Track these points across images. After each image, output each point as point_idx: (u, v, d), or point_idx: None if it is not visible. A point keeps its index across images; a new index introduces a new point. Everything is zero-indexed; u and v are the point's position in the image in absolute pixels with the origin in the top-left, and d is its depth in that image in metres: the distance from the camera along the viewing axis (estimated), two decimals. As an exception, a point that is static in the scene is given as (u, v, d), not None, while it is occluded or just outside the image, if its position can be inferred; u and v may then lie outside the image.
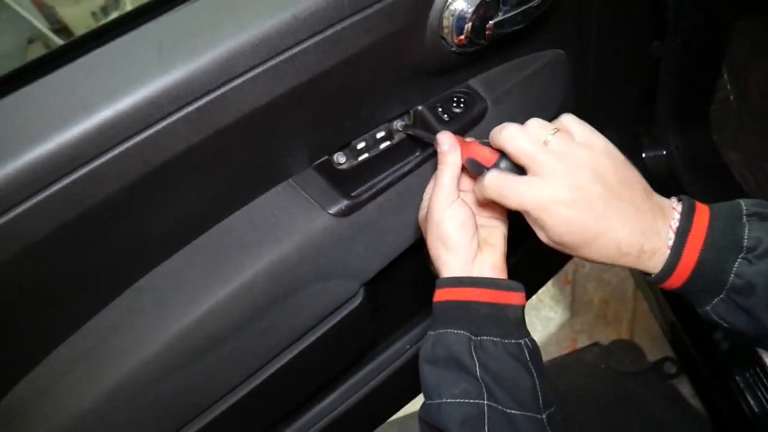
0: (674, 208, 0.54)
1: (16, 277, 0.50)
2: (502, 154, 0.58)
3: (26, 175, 0.44)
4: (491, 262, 0.61)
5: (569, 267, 1.60)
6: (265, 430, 0.81)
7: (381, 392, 0.92)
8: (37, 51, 2.69)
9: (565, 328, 1.54)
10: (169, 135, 0.50)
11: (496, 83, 0.76)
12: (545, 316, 1.56)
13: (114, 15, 2.67)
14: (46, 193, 0.46)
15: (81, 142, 0.46)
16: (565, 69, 0.82)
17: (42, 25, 2.58)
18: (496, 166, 0.58)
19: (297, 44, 0.53)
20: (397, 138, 0.74)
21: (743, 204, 0.53)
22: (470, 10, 0.61)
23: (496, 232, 0.63)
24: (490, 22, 0.63)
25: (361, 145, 0.72)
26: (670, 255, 0.52)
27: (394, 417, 1.03)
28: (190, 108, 0.50)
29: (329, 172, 0.70)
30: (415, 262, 0.77)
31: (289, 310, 0.68)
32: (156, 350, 0.61)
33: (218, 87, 0.50)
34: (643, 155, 1.22)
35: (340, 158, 0.71)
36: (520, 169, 0.56)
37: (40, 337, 0.58)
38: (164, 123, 0.49)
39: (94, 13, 2.61)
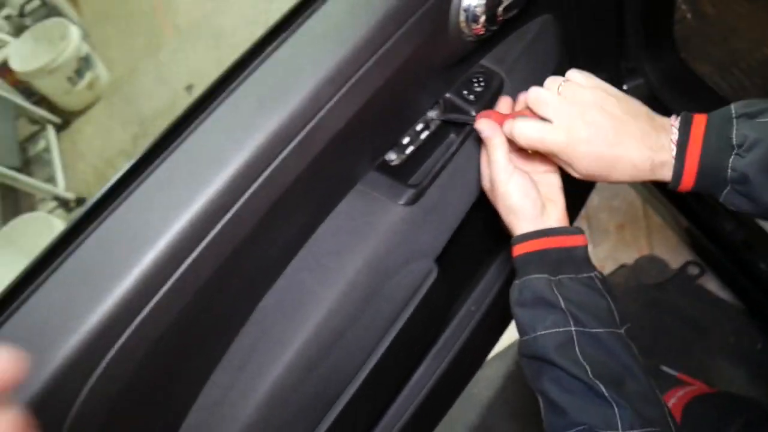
0: (672, 124, 0.63)
1: (189, 318, 0.58)
2: None
3: (194, 225, 0.53)
4: (556, 216, 0.71)
5: (578, 204, 1.72)
6: (382, 410, 0.90)
7: (463, 354, 1.02)
8: (23, 126, 2.75)
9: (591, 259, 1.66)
10: (283, 169, 0.59)
11: (504, 56, 0.86)
12: (570, 255, 1.67)
13: (88, 75, 2.72)
14: (206, 241, 0.55)
15: (222, 195, 0.54)
16: (555, 29, 0.92)
17: (21, 101, 2.64)
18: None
19: (360, 68, 0.62)
20: (433, 126, 0.84)
21: (733, 108, 0.61)
22: (482, 3, 0.70)
23: (554, 187, 0.73)
24: (499, 8, 0.73)
25: (406, 140, 0.81)
26: (675, 164, 0.62)
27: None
28: (293, 143, 0.59)
29: (387, 170, 0.79)
30: (468, 228, 0.86)
31: (386, 297, 0.77)
32: (292, 358, 0.69)
33: (310, 120, 0.59)
34: (625, 87, 1.34)
35: (391, 156, 0.80)
36: None
37: (200, 369, 0.67)
38: (278, 161, 0.58)
39: (69, 78, 2.66)
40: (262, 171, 0.57)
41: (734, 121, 0.59)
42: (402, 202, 0.76)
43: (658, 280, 1.57)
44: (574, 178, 0.69)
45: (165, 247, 0.52)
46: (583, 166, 0.64)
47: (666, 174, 0.63)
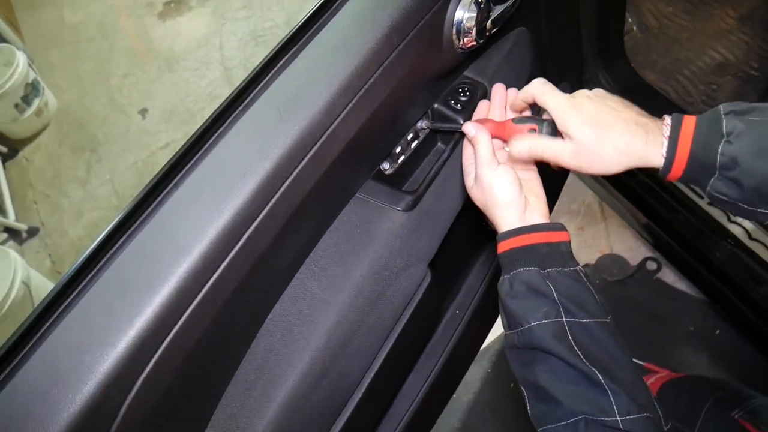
0: (665, 123, 0.66)
1: (215, 331, 0.59)
2: (538, 122, 0.73)
3: (224, 236, 0.54)
4: (540, 211, 0.74)
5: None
6: (383, 414, 0.92)
7: (453, 357, 1.05)
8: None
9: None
10: (301, 179, 0.61)
11: (485, 67, 0.90)
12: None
13: (36, 102, 2.63)
14: (233, 252, 0.56)
15: (248, 206, 0.56)
16: (529, 41, 0.97)
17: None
18: (540, 131, 0.72)
19: (369, 78, 0.65)
20: (422, 135, 0.87)
21: (721, 107, 0.64)
22: (474, 16, 0.75)
23: (535, 182, 0.77)
24: (487, 22, 0.77)
25: (398, 150, 0.84)
26: (667, 153, 0.64)
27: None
28: (311, 152, 0.61)
29: (383, 178, 0.82)
30: (453, 234, 0.90)
31: (388, 301, 0.79)
32: (306, 366, 0.70)
33: (326, 129, 0.61)
34: (582, 95, 1.41)
35: (385, 165, 0.83)
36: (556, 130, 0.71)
37: (217, 383, 0.67)
38: (297, 170, 0.60)
39: (17, 105, 2.56)
40: (284, 180, 0.59)
41: (723, 116, 0.63)
42: (401, 208, 0.78)
43: (619, 277, 1.66)
44: (546, 175, 0.72)
45: (198, 258, 0.53)
46: (582, 168, 0.68)
47: (657, 163, 0.66)
